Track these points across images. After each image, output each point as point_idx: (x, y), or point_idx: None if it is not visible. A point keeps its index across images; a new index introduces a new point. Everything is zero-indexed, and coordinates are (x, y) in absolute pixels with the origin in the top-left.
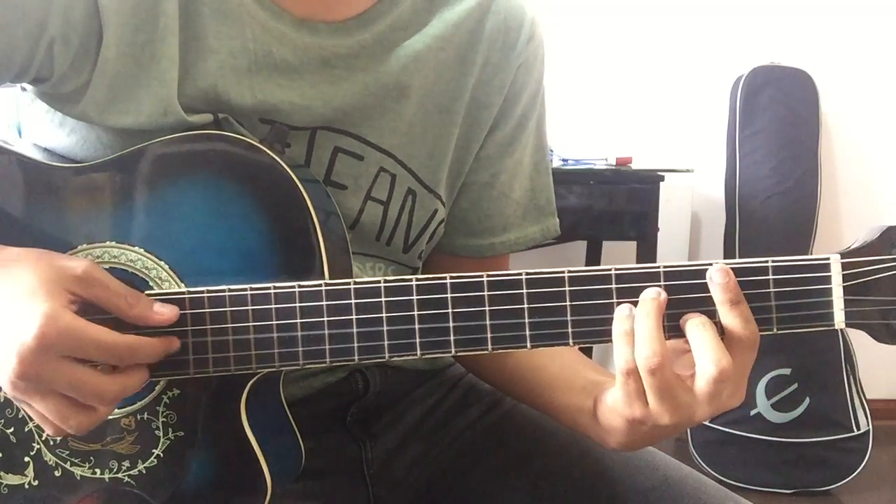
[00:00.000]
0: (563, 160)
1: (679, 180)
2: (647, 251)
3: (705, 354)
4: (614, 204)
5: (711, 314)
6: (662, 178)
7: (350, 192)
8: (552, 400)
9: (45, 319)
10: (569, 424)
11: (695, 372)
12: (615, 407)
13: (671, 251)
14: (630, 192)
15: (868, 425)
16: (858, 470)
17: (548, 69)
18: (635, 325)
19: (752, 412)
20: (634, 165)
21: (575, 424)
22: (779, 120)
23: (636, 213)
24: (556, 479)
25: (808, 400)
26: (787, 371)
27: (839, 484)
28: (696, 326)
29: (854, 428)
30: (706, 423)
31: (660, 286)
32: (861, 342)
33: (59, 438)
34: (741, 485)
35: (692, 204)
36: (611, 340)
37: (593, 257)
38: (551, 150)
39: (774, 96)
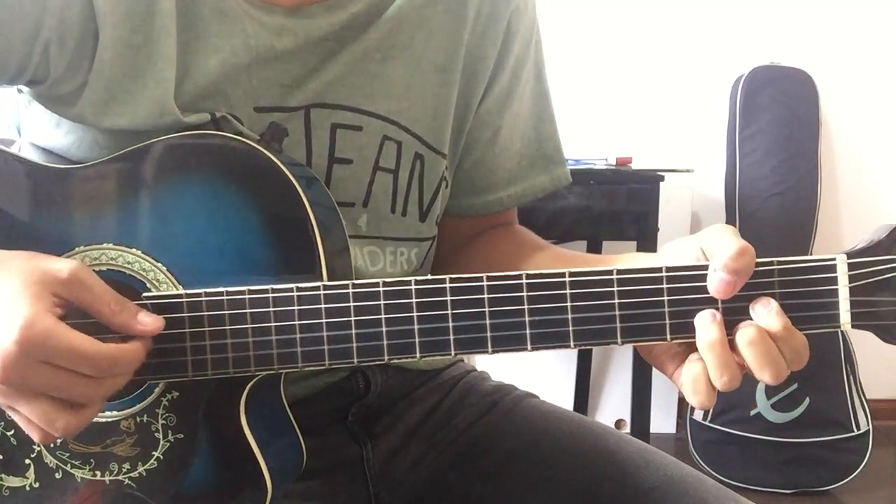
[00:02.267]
0: None
1: (679, 180)
2: (647, 251)
3: (759, 370)
4: (614, 204)
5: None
6: (662, 178)
7: (357, 166)
8: None
9: (26, 324)
10: None
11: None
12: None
13: None
14: (630, 192)
15: (868, 425)
16: (858, 470)
17: (548, 69)
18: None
19: (752, 412)
20: (634, 165)
21: None
22: (779, 120)
23: (636, 213)
24: (556, 479)
25: (808, 400)
26: None
27: (839, 484)
28: (747, 345)
29: (854, 428)
30: (706, 423)
31: (662, 288)
32: (861, 342)
33: (59, 440)
34: (741, 485)
35: (692, 204)
36: (612, 342)
37: None
38: None
39: (774, 96)
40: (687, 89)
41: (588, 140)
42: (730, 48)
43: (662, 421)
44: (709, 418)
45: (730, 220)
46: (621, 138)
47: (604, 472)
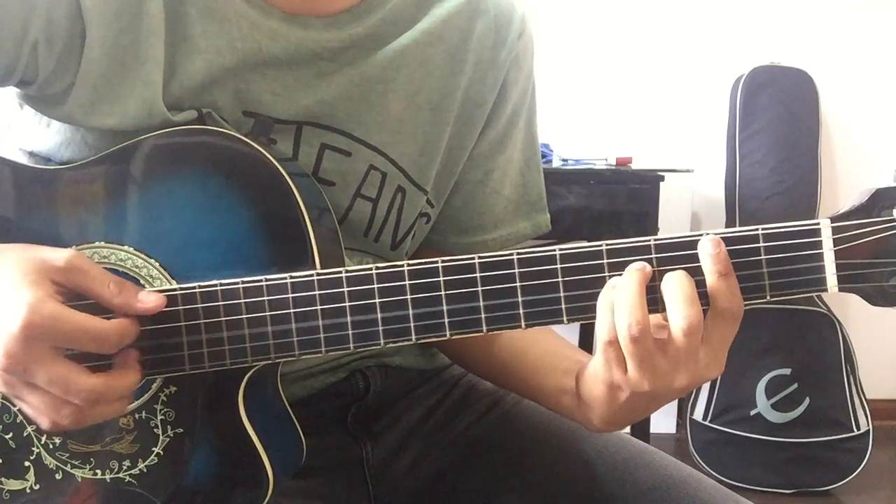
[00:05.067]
0: (563, 160)
1: (679, 180)
2: None
3: (676, 310)
4: (614, 204)
5: (701, 284)
6: (662, 178)
7: (338, 189)
8: (538, 384)
9: (30, 309)
10: (552, 407)
11: (670, 335)
12: (595, 374)
13: None
14: (630, 192)
15: (868, 425)
16: (858, 470)
17: (548, 69)
18: (617, 295)
19: (752, 412)
20: (634, 165)
21: (558, 407)
22: (779, 120)
23: (636, 213)
24: (556, 479)
25: (808, 400)
26: (787, 371)
27: (839, 484)
28: (669, 280)
29: (854, 428)
30: (706, 423)
31: (651, 258)
32: (861, 342)
33: (58, 441)
34: (741, 485)
35: (692, 204)
36: None
37: None
38: (551, 150)
39: (774, 96)
40: (687, 89)
41: (588, 140)
42: (730, 48)
43: (662, 421)
44: (709, 418)
45: (730, 220)
46: (621, 138)
47: (604, 472)
